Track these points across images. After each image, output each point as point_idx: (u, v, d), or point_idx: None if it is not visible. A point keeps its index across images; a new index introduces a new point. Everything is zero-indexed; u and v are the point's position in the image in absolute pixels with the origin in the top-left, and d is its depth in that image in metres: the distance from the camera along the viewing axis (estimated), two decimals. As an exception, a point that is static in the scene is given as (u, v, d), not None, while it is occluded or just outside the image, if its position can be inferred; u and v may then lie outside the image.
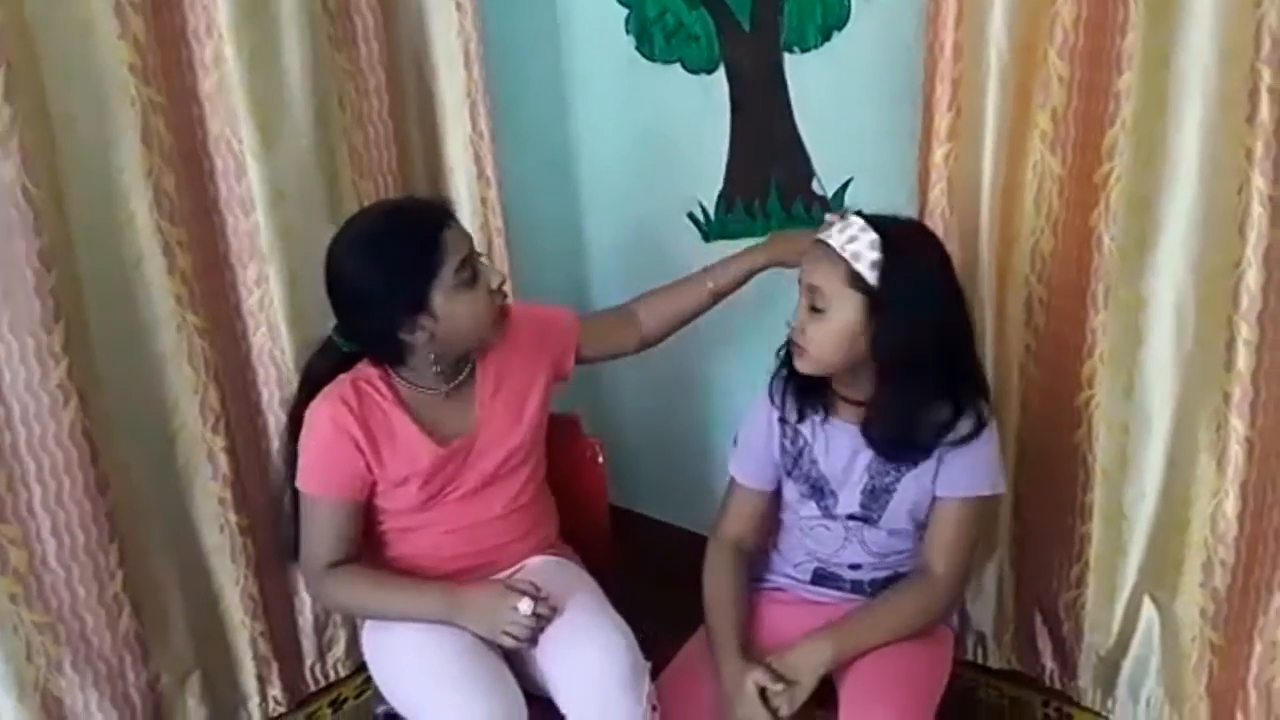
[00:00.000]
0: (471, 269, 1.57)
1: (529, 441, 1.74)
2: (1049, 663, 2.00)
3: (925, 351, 1.49)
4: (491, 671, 1.58)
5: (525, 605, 1.55)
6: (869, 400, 1.57)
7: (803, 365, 1.56)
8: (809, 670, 1.52)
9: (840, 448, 1.62)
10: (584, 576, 1.77)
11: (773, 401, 1.67)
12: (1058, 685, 2.00)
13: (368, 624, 1.74)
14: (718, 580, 1.69)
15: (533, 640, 1.58)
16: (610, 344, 1.90)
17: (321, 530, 1.65)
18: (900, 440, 1.56)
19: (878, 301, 1.47)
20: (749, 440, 1.72)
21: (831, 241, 1.50)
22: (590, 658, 1.57)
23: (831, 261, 1.49)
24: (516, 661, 1.63)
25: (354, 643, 2.21)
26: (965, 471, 1.58)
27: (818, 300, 1.50)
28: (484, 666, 1.58)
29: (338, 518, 1.65)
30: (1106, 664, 1.92)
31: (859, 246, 1.47)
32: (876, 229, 1.48)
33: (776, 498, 1.74)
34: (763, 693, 1.51)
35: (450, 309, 1.56)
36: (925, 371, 1.50)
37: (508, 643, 1.58)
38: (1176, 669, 1.83)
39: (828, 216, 1.55)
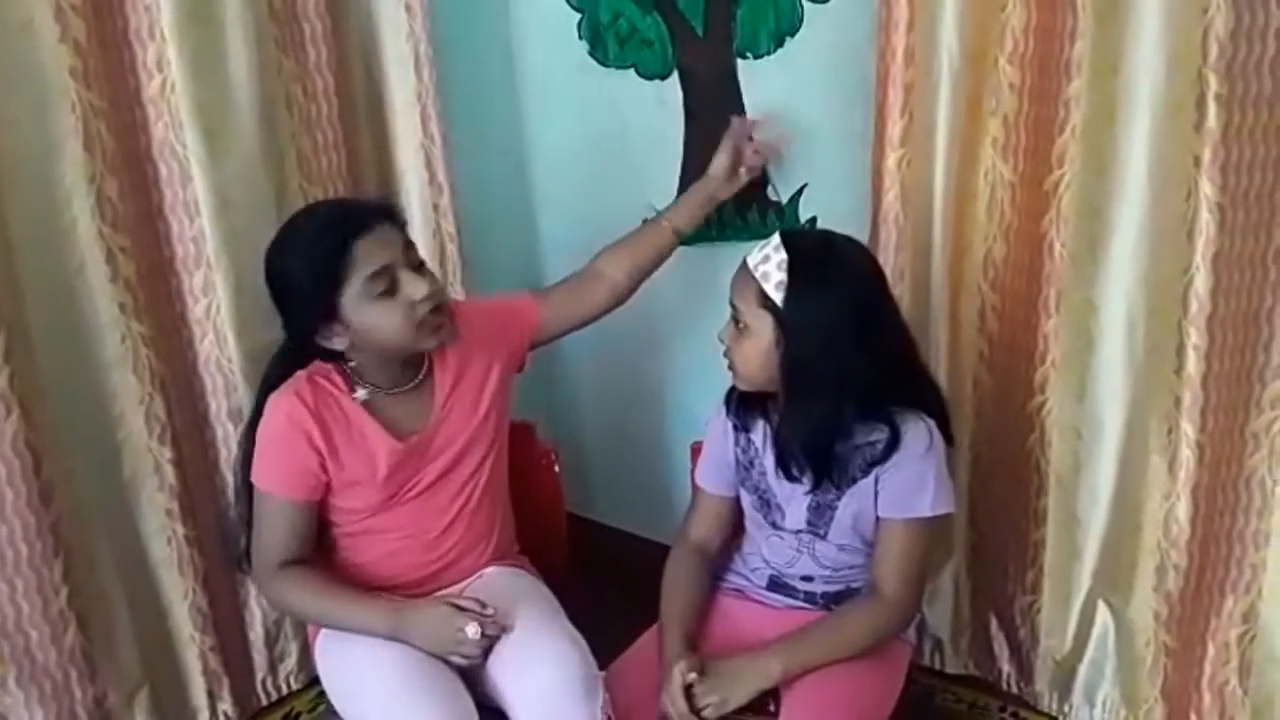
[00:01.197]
0: (390, 279, 1.52)
1: (488, 431, 1.73)
2: (1005, 667, 2.00)
3: (829, 372, 1.48)
4: (445, 684, 1.57)
5: (472, 629, 1.53)
6: (780, 415, 1.58)
7: (736, 381, 1.59)
8: (746, 682, 1.52)
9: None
10: (539, 587, 1.76)
11: (727, 409, 1.67)
12: (1014, 690, 2.00)
13: (320, 636, 1.72)
14: (675, 577, 1.70)
15: (482, 657, 1.56)
16: (582, 308, 1.89)
17: (273, 527, 1.64)
18: (805, 460, 1.56)
19: (784, 321, 1.47)
20: (710, 446, 1.73)
21: (750, 261, 1.51)
22: (542, 670, 1.55)
23: (746, 281, 1.51)
24: (469, 673, 1.61)
25: (306, 656, 2.17)
26: (903, 491, 1.56)
27: (739, 320, 1.52)
28: (437, 679, 1.56)
29: (290, 515, 1.63)
30: (1062, 668, 1.93)
31: (768, 267, 1.48)
32: (790, 247, 1.48)
33: (739, 503, 1.74)
34: (689, 688, 1.50)
35: (361, 319, 1.53)
36: (832, 392, 1.49)
37: (457, 662, 1.57)
38: (1131, 672, 1.84)
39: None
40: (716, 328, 1.60)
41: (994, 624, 2.00)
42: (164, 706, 2.00)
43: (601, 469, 2.56)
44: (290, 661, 2.16)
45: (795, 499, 1.63)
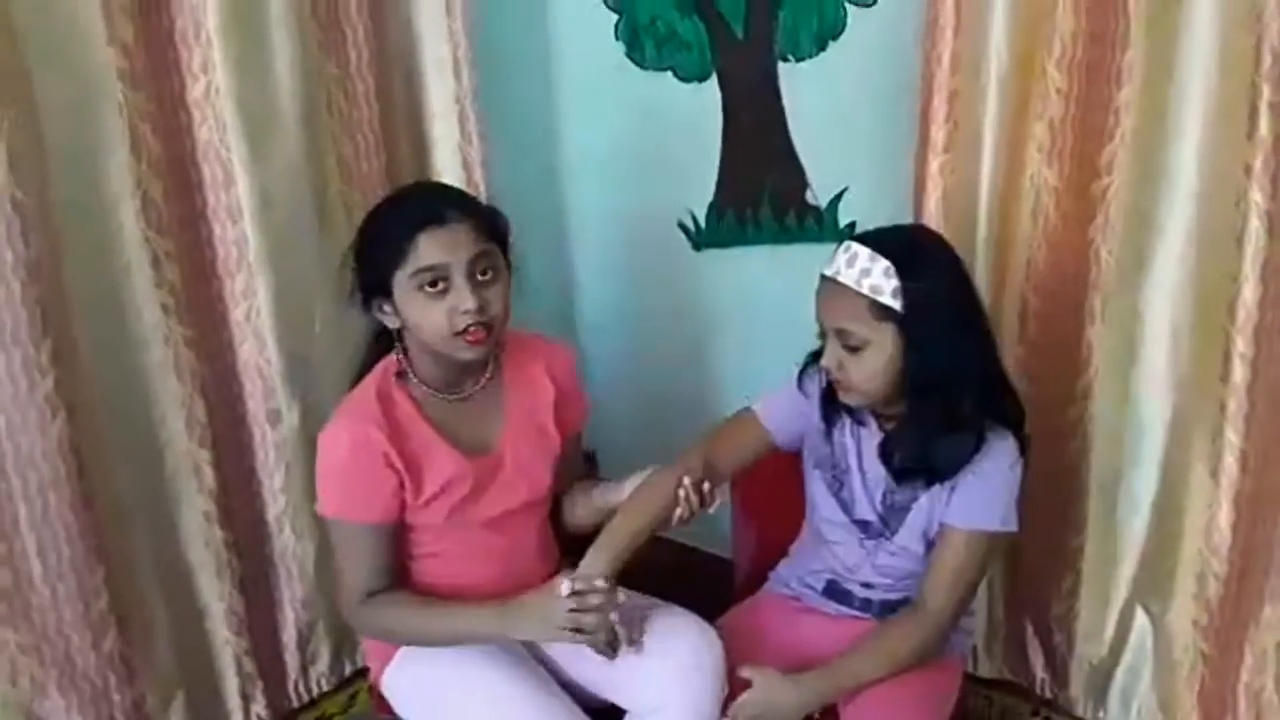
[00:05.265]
0: (441, 280, 1.49)
1: (553, 449, 1.71)
2: (1040, 672, 2.01)
3: (955, 366, 1.45)
4: (556, 696, 1.56)
5: (564, 586, 1.48)
6: (899, 421, 1.55)
7: (850, 399, 1.54)
8: (794, 708, 1.51)
9: (868, 453, 1.61)
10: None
11: (804, 392, 1.65)
12: (1049, 695, 2.01)
13: (392, 667, 1.68)
14: (654, 489, 1.59)
15: (611, 651, 1.52)
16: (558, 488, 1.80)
17: (361, 558, 1.59)
18: (916, 466, 1.53)
19: (908, 325, 1.44)
20: (787, 396, 1.66)
21: (843, 279, 1.45)
22: (681, 649, 1.56)
23: (850, 300, 1.45)
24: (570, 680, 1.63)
25: (337, 658, 2.18)
26: (977, 501, 1.54)
27: (850, 340, 1.46)
28: (543, 690, 1.57)
29: (375, 539, 1.59)
30: (1098, 674, 1.93)
31: (875, 279, 1.43)
32: (883, 251, 1.44)
33: (771, 459, 1.69)
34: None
35: (407, 308, 1.52)
36: (957, 386, 1.47)
37: (567, 638, 1.49)
38: (1168, 679, 1.84)
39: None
40: (750, 329, 1.59)
41: (1030, 628, 2.00)
42: (199, 709, 2.00)
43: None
44: (322, 664, 2.17)
45: (869, 489, 1.61)
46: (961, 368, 1.46)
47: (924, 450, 1.51)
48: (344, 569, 1.63)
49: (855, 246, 1.46)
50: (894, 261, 1.43)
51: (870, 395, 1.51)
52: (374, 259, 1.53)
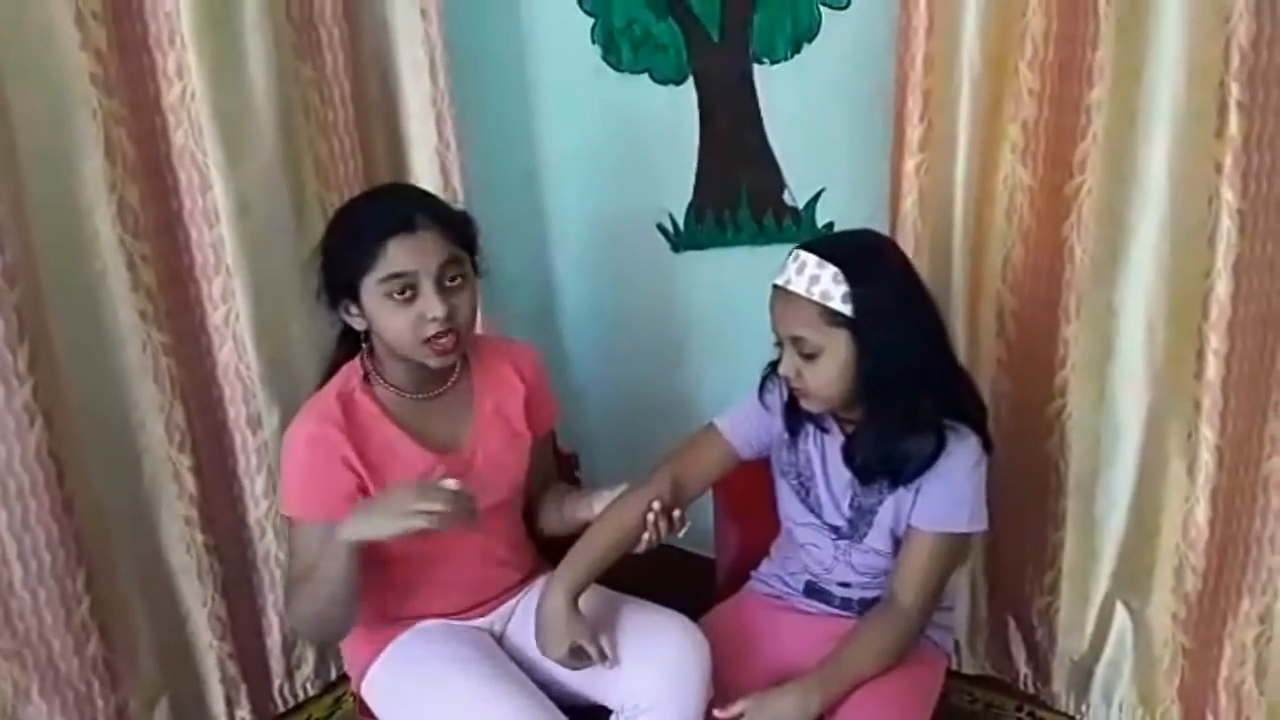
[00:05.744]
0: (409, 287, 1.49)
1: (524, 450, 1.71)
2: (1023, 668, 2.02)
3: (908, 367, 1.46)
4: (533, 696, 1.55)
5: (451, 481, 1.44)
6: (857, 424, 1.56)
7: (811, 406, 1.55)
8: (799, 716, 1.51)
9: (832, 458, 1.61)
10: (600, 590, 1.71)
11: (764, 404, 1.65)
12: (1032, 690, 2.02)
13: (376, 667, 1.67)
14: (621, 512, 1.60)
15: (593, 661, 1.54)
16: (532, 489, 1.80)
17: (310, 557, 1.54)
18: (878, 468, 1.54)
19: (859, 330, 1.45)
20: (749, 408, 1.67)
21: (794, 288, 1.47)
22: (668, 650, 1.56)
23: (801, 307, 1.46)
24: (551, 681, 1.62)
25: (322, 662, 2.18)
26: (942, 504, 1.54)
27: (805, 348, 1.47)
28: (521, 690, 1.55)
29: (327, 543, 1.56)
30: (1080, 669, 1.95)
31: (824, 285, 1.44)
32: (831, 258, 1.45)
33: (737, 464, 1.69)
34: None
35: (374, 313, 1.52)
36: (913, 387, 1.48)
37: (421, 523, 1.40)
38: (1149, 673, 1.86)
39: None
40: (729, 331, 1.59)
41: (1011, 625, 2.01)
42: (184, 714, 2.00)
43: (616, 475, 2.55)
44: (307, 668, 2.17)
45: (835, 494, 1.62)
46: (915, 368, 1.47)
47: (884, 451, 1.52)
48: (291, 572, 1.61)
49: (804, 254, 1.47)
50: (842, 267, 1.44)
51: (829, 400, 1.52)
52: (342, 262, 1.53)
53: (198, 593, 1.96)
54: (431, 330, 1.50)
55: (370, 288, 1.50)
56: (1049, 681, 1.99)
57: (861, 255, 1.48)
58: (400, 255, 1.48)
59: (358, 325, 1.57)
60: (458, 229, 1.56)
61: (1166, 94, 1.57)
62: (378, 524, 1.44)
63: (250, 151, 1.83)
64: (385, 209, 1.55)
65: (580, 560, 1.57)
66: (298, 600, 1.58)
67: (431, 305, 1.49)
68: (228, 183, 1.81)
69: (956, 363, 1.61)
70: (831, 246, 1.48)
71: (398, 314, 1.50)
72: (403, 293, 1.49)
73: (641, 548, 1.59)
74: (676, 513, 1.59)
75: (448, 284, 1.51)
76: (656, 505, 1.57)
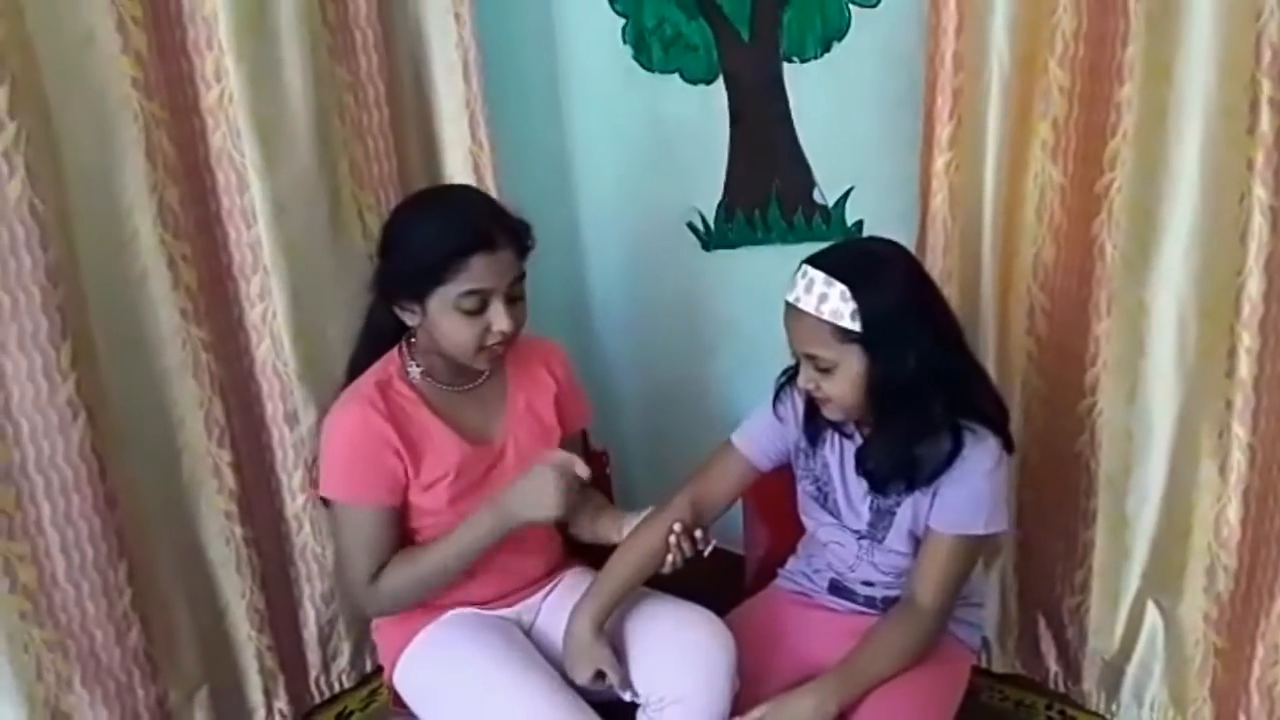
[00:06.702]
0: (482, 302, 1.53)
1: (554, 442, 1.74)
2: (1053, 666, 2.02)
3: (918, 375, 1.46)
4: (562, 689, 1.57)
5: (582, 469, 1.55)
6: (871, 429, 1.56)
7: (831, 414, 1.55)
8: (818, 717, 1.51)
9: (849, 463, 1.62)
10: None
11: (778, 416, 1.67)
12: (1062, 689, 2.02)
13: (406, 657, 1.69)
14: (643, 538, 1.63)
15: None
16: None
17: (363, 542, 1.61)
18: (890, 474, 1.54)
19: (870, 343, 1.45)
20: (764, 418, 1.68)
21: (804, 306, 1.47)
22: (695, 644, 1.58)
23: (812, 326, 1.47)
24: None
25: (358, 654, 2.22)
26: (960, 507, 1.54)
27: (820, 364, 1.48)
28: (550, 682, 1.57)
29: (379, 522, 1.61)
30: (1111, 668, 1.94)
31: (833, 304, 1.44)
32: (837, 273, 1.45)
33: (757, 477, 1.71)
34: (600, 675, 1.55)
35: (438, 318, 1.54)
36: (924, 394, 1.48)
37: (563, 509, 1.55)
38: (1180, 673, 1.85)
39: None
40: (759, 328, 1.59)
41: (1042, 623, 2.01)
42: (222, 705, 2.04)
43: (647, 473, 2.57)
44: (343, 660, 2.20)
45: (855, 498, 1.63)
46: (927, 373, 1.46)
47: (895, 458, 1.53)
48: (347, 557, 1.65)
49: (811, 271, 1.47)
50: (848, 282, 1.43)
51: (850, 409, 1.52)
52: (416, 267, 1.53)
53: (236, 585, 2.00)
54: (493, 340, 1.55)
55: (442, 296, 1.52)
56: (1079, 680, 1.98)
57: (869, 268, 1.47)
58: (480, 272, 1.51)
59: (411, 321, 1.59)
60: (523, 242, 1.59)
61: (1197, 91, 1.56)
62: (527, 507, 1.56)
63: (287, 153, 1.86)
64: (467, 222, 1.54)
65: (605, 588, 1.61)
66: (388, 590, 1.62)
67: (500, 320, 1.54)
68: (265, 184, 1.85)
69: (974, 363, 1.61)
70: (838, 260, 1.47)
71: (464, 325, 1.54)
72: (475, 308, 1.53)
73: (667, 569, 1.61)
74: (698, 532, 1.61)
75: (513, 299, 1.56)
76: (677, 527, 1.59)
